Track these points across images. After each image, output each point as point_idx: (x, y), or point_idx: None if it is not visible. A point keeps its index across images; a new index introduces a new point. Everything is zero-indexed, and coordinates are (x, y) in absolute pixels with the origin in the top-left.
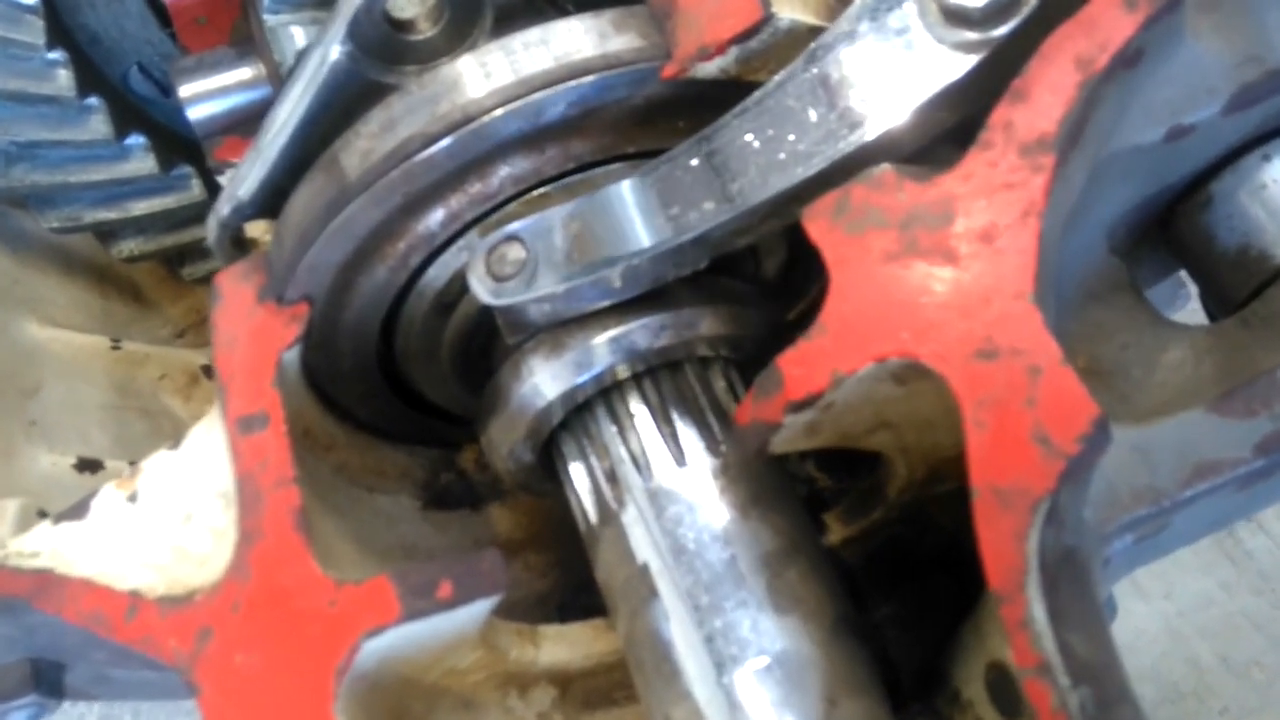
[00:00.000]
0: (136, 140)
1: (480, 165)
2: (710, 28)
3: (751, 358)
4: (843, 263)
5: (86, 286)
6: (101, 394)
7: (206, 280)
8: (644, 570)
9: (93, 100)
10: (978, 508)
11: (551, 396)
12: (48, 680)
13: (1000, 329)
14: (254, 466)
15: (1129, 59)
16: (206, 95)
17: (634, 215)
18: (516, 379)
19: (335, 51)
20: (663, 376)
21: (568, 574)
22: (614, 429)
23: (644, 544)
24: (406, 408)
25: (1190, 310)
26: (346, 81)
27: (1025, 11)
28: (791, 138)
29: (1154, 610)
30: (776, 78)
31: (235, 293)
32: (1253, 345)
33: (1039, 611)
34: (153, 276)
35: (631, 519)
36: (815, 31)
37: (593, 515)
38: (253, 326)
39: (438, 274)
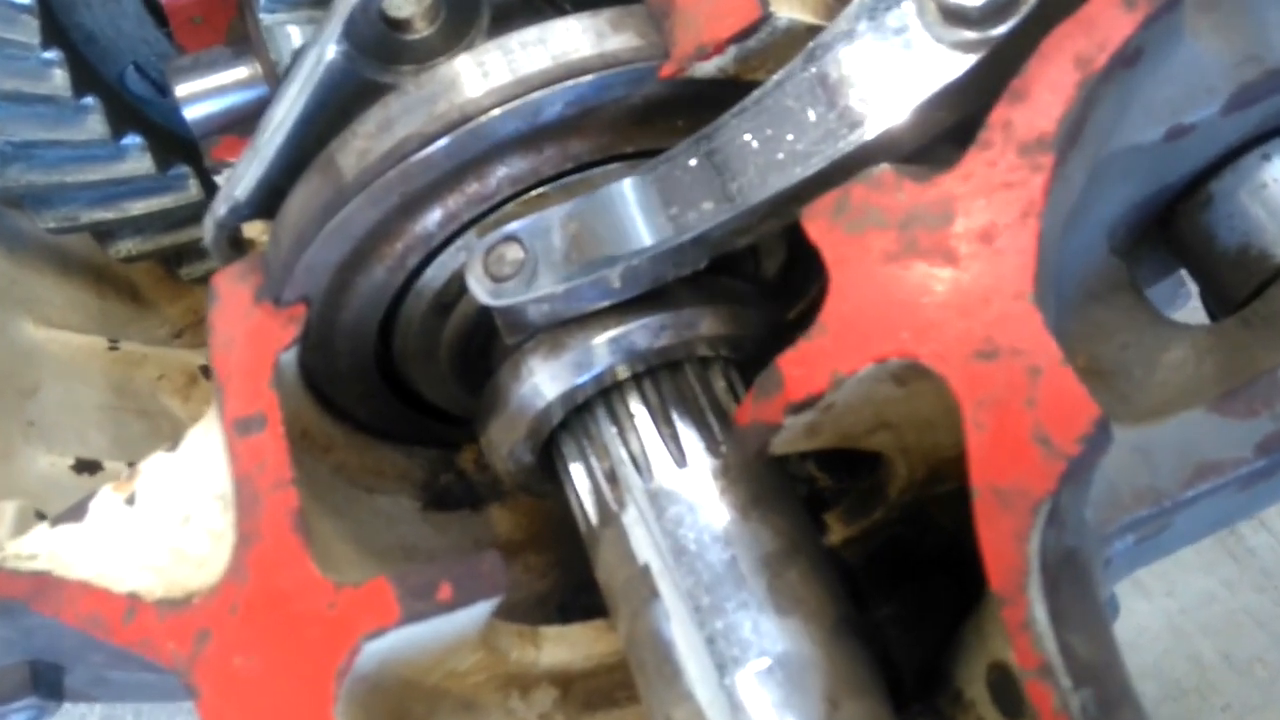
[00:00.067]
0: (133, 140)
1: (478, 165)
2: (708, 27)
3: (751, 358)
4: (842, 263)
5: (84, 287)
6: (99, 394)
7: (204, 280)
8: (645, 571)
9: (89, 100)
10: (978, 508)
11: (551, 397)
12: (47, 682)
13: (1000, 329)
14: (252, 468)
15: (1128, 58)
16: (203, 95)
17: (633, 215)
18: (516, 379)
19: (331, 51)
20: (662, 377)
21: (568, 574)
22: (614, 429)
23: (645, 545)
24: (405, 408)
25: (1191, 308)
26: (343, 81)
27: (1024, 11)
28: (790, 137)
29: (1156, 608)
30: (775, 77)
31: (232, 293)
32: (1254, 345)
33: (1040, 613)
34: (150, 276)
35: (632, 520)
36: (814, 30)
37: (593, 516)
38: (250, 327)
39: (436, 274)
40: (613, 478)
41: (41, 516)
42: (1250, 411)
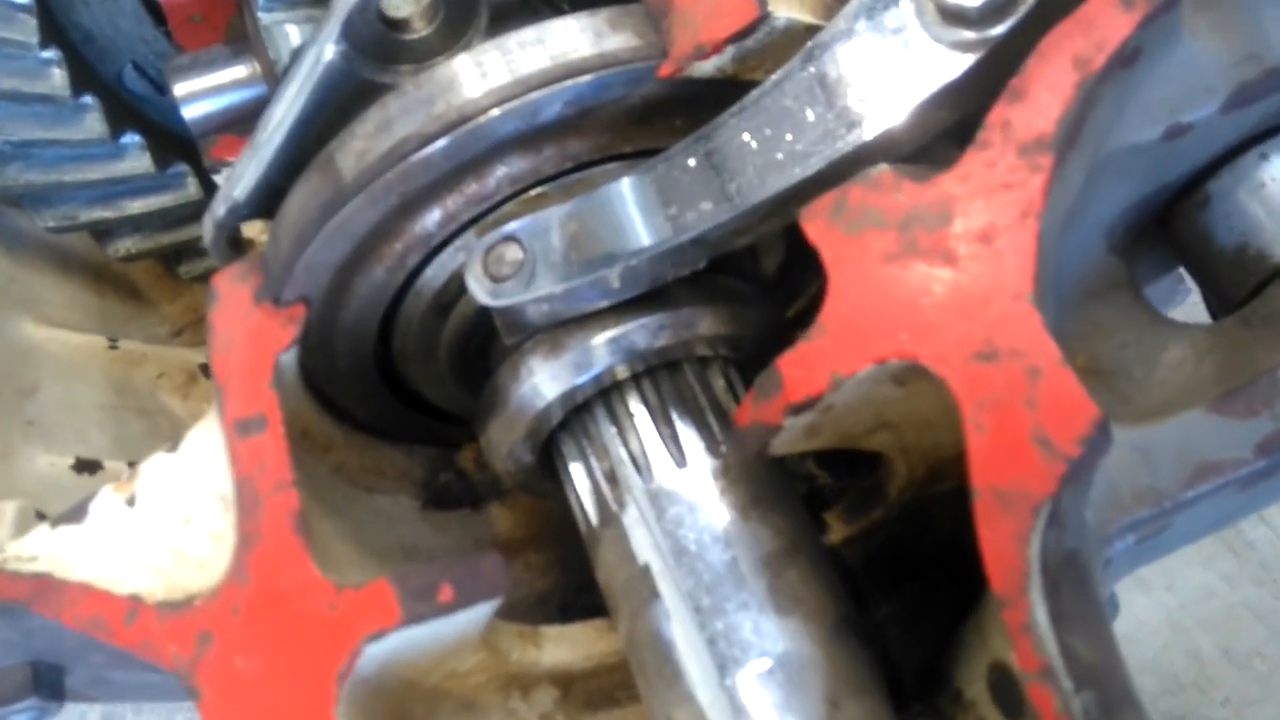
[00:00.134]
0: (132, 139)
1: (477, 165)
2: (706, 26)
3: (751, 357)
4: (841, 263)
5: (83, 285)
6: (99, 393)
7: (204, 278)
8: (645, 571)
9: (87, 99)
10: (979, 510)
11: (551, 397)
12: (48, 683)
13: (1000, 330)
14: (252, 470)
15: (1126, 58)
16: (202, 94)
17: (632, 215)
18: (515, 379)
19: (330, 51)
20: (662, 377)
21: (568, 573)
22: (613, 430)
23: (645, 545)
24: (405, 408)
25: (1190, 304)
26: (341, 81)
27: (1022, 10)
28: (789, 137)
29: (1155, 602)
30: (773, 77)
31: (232, 294)
32: (1253, 344)
33: (1041, 615)
34: (149, 275)
35: (632, 520)
36: (812, 30)
37: (593, 516)
38: (250, 328)
39: (435, 274)
40: (613, 478)
41: (42, 517)
42: (1250, 412)
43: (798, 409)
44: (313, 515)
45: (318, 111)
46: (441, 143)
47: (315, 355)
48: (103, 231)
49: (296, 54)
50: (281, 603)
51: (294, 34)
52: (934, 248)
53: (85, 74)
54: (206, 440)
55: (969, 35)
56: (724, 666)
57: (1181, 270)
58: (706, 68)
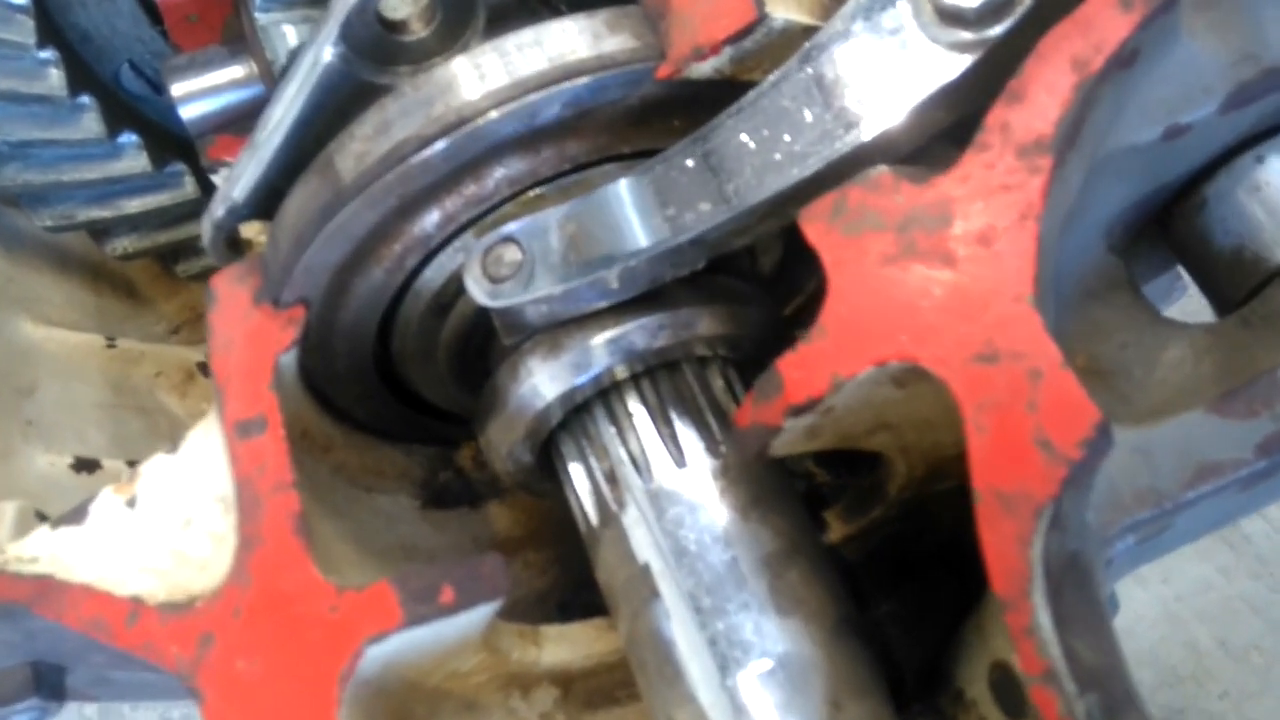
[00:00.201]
0: (129, 138)
1: (475, 167)
2: (704, 28)
3: (749, 356)
4: (841, 265)
5: (81, 284)
6: (97, 392)
7: (200, 277)
8: (645, 571)
9: (84, 99)
10: (980, 512)
11: (550, 397)
12: (49, 683)
13: (1000, 332)
14: (252, 471)
15: (1125, 59)
16: (199, 94)
17: (630, 216)
18: (514, 380)
19: (328, 53)
20: (661, 377)
21: (567, 571)
22: (613, 430)
23: (645, 545)
24: (404, 408)
25: (1189, 298)
26: (340, 83)
27: (1020, 11)
28: (787, 138)
29: (1152, 595)
30: (771, 78)
31: (231, 295)
32: (1253, 344)
33: (1044, 618)
34: (146, 273)
35: (632, 520)
36: (810, 31)
37: (593, 516)
38: (249, 329)
39: (434, 275)
40: (612, 478)
41: (42, 516)
42: (1250, 412)
43: (798, 411)
44: (313, 515)
45: (316, 113)
46: (440, 145)
47: (314, 356)
48: (100, 230)
49: (294, 55)
50: (283, 604)
51: (291, 34)
52: (933, 249)
53: (82, 74)
54: (206, 441)
55: (966, 36)
56: (725, 667)
57: (1179, 267)
58: (704, 69)
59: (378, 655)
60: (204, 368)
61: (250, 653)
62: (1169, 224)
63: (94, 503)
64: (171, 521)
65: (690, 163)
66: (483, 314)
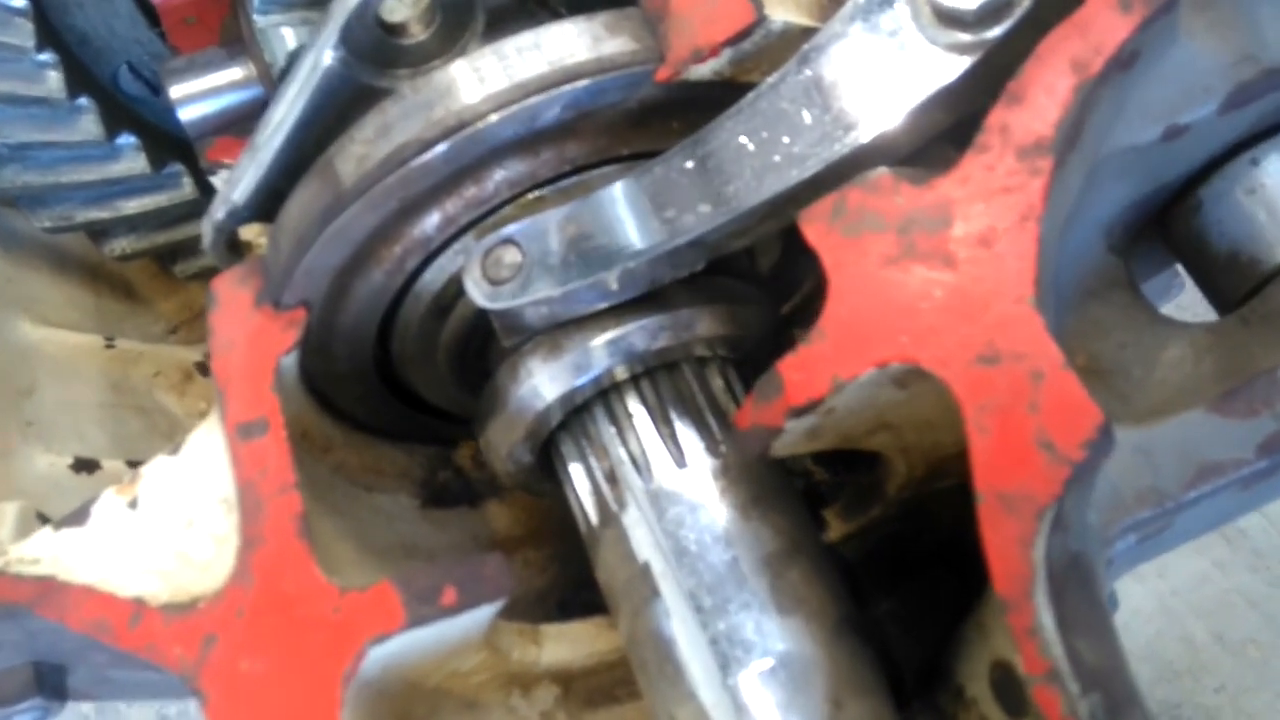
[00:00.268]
0: (127, 140)
1: (475, 169)
2: (703, 30)
3: (749, 357)
4: (841, 267)
5: (79, 285)
6: (96, 393)
7: (198, 277)
8: (645, 571)
9: (83, 101)
10: (982, 513)
11: (550, 398)
12: (51, 683)
13: (1001, 333)
14: (254, 473)
15: (1124, 61)
16: (197, 96)
17: (629, 218)
18: (514, 381)
19: (328, 57)
20: (661, 377)
21: (567, 569)
22: (613, 430)
23: (645, 545)
24: (404, 408)
25: (1187, 293)
26: (340, 86)
27: (1019, 13)
28: (786, 140)
29: (1148, 589)
30: (770, 79)
31: (232, 297)
32: (1252, 344)
33: (1047, 618)
34: (144, 273)
35: (633, 520)
36: (808, 33)
37: (593, 516)
38: (250, 331)
39: (434, 277)
40: (612, 478)
41: (43, 517)
42: (1251, 411)
43: (799, 412)
44: (313, 515)
45: (316, 116)
46: (440, 148)
47: (315, 358)
48: (98, 231)
49: (294, 57)
50: (285, 605)
51: (289, 37)
52: (934, 251)
53: (80, 76)
54: (208, 443)
55: (965, 38)
56: (726, 666)
57: (1178, 265)
58: (703, 71)
59: (380, 656)
60: (202, 367)
61: (253, 653)
62: (1167, 224)
63: (96, 504)
64: (174, 523)
65: (689, 164)
66: (482, 316)
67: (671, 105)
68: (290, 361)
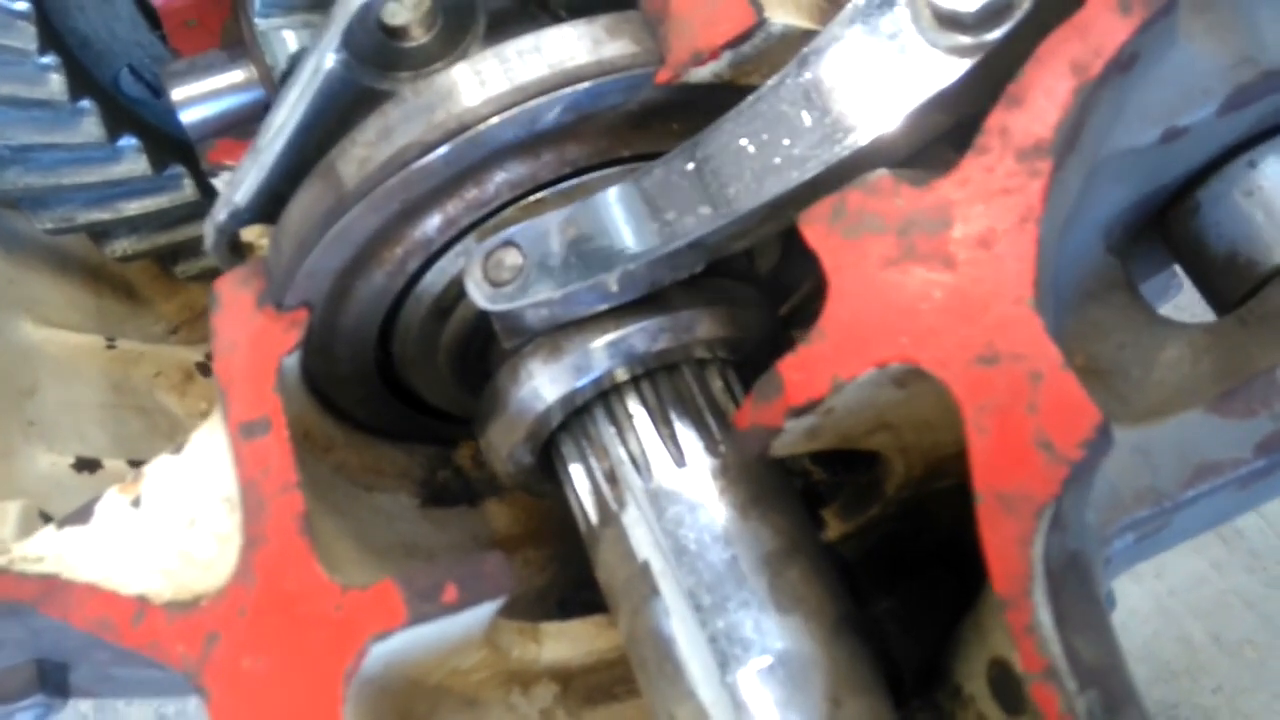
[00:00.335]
0: (129, 142)
1: (476, 172)
2: (703, 33)
3: (748, 358)
4: (841, 268)
5: (81, 285)
6: (98, 393)
7: (199, 277)
8: (645, 570)
9: (84, 103)
10: (981, 513)
11: (551, 400)
12: (53, 681)
13: (1000, 334)
14: (257, 473)
15: (1124, 64)
16: (199, 98)
17: (629, 220)
18: (515, 382)
19: (330, 60)
20: (661, 379)
21: (566, 568)
22: (613, 430)
23: (645, 544)
24: (405, 408)
25: (1185, 292)
26: (341, 89)
27: (1018, 15)
28: (785, 142)
29: (1145, 590)
30: (769, 82)
31: (235, 299)
32: (1250, 344)
33: (1045, 617)
34: (145, 274)
35: (632, 519)
36: (808, 35)
37: (593, 516)
38: (252, 332)
39: (435, 279)
40: (612, 478)
41: (45, 516)
42: (1249, 411)
43: (798, 412)
44: (315, 514)
45: (318, 118)
46: (442, 150)
47: (317, 359)
48: (100, 233)
49: (295, 60)
50: (287, 604)
51: (290, 39)
52: (933, 252)
53: (82, 79)
54: (211, 442)
55: (965, 40)
56: (725, 664)
57: (1176, 266)
58: (703, 73)
59: (382, 653)
60: (203, 368)
61: (255, 651)
62: (1166, 226)
63: (99, 503)
64: (176, 521)
65: (689, 166)
66: (483, 317)
67: (672, 108)
68: (292, 362)
